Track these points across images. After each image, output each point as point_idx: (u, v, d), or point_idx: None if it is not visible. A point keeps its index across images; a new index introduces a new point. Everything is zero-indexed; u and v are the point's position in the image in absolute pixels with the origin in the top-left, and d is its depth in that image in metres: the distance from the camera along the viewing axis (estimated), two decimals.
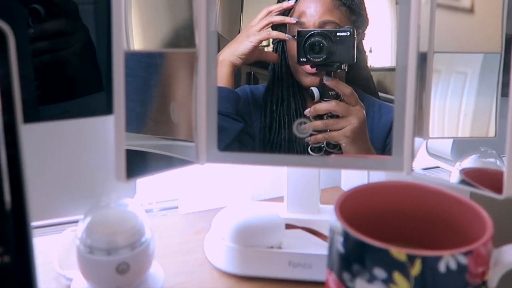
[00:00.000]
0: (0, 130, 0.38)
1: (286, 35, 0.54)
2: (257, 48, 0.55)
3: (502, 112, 0.50)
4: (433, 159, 0.56)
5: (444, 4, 0.51)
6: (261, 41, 0.54)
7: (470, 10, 0.51)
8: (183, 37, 0.53)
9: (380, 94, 0.54)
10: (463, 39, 0.52)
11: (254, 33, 0.54)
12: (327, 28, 0.53)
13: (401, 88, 0.52)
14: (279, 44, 0.55)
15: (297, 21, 0.54)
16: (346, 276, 0.39)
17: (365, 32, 0.54)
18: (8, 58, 0.38)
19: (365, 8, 0.53)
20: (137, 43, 0.49)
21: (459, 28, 0.52)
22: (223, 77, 0.55)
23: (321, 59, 0.53)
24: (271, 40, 0.55)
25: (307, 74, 0.54)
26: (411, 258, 0.36)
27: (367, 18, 0.53)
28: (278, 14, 0.54)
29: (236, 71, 0.55)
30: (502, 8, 0.50)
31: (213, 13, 0.53)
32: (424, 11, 0.51)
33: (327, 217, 0.58)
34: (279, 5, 0.54)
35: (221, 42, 0.55)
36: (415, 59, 0.51)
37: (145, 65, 0.50)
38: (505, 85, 0.50)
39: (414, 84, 0.52)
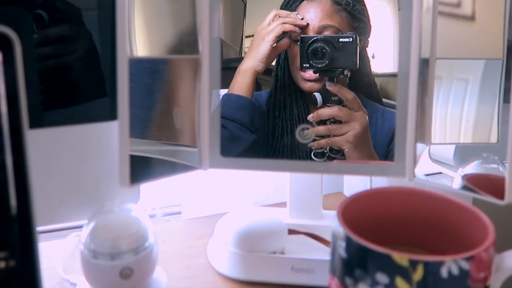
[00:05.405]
0: (7, 135, 0.39)
1: (297, 27, 0.54)
2: (273, 48, 0.54)
3: (504, 118, 0.51)
4: (436, 165, 0.56)
5: (445, 12, 0.51)
6: (276, 38, 0.54)
7: (471, 18, 0.51)
8: (186, 43, 0.53)
9: (383, 100, 0.54)
10: (464, 45, 0.52)
11: (267, 33, 0.54)
12: (327, 32, 0.54)
13: (403, 94, 0.52)
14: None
15: (306, 24, 0.54)
16: (348, 281, 0.39)
17: (369, 39, 0.54)
18: (15, 64, 0.38)
19: (367, 15, 0.54)
20: (141, 50, 0.49)
21: (460, 35, 0.52)
22: (244, 86, 0.54)
23: (323, 64, 0.54)
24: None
25: (306, 81, 0.55)
26: (413, 263, 0.36)
27: (370, 25, 0.54)
28: (285, 23, 0.54)
29: None
30: (504, 15, 0.50)
31: (216, 19, 0.54)
32: (425, 17, 0.51)
33: (330, 223, 0.58)
34: (288, 12, 0.54)
35: (224, 48, 0.55)
36: (417, 65, 0.51)
37: (149, 71, 0.50)
38: (507, 91, 0.50)
39: (416, 90, 0.52)
